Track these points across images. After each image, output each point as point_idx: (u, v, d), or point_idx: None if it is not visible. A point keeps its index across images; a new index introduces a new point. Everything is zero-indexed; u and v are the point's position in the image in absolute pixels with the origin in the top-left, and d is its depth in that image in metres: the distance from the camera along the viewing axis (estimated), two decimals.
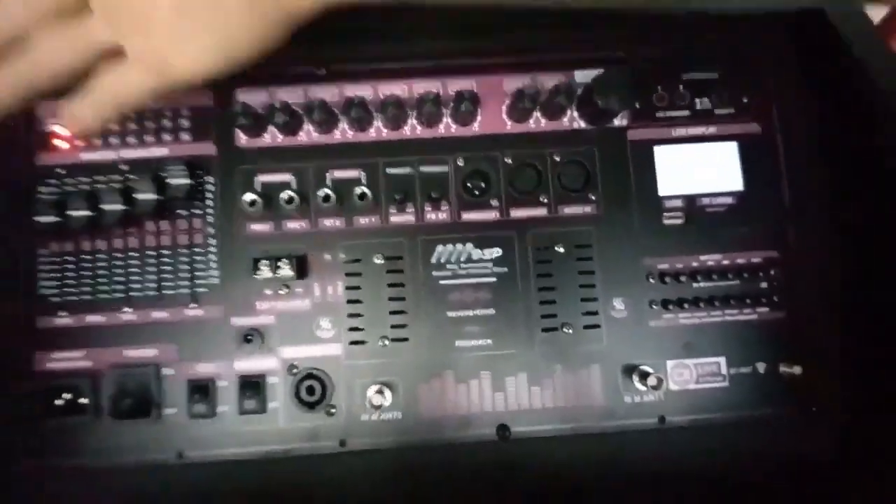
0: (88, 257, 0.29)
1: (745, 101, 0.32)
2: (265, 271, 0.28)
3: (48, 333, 0.29)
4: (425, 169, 0.30)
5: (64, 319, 0.29)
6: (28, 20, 0.21)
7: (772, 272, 0.31)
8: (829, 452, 0.29)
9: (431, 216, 0.30)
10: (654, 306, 0.30)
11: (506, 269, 0.30)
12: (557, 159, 0.30)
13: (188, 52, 0.21)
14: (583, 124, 0.31)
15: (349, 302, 0.29)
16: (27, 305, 0.29)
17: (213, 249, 0.29)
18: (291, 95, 0.30)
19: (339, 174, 0.30)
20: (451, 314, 0.29)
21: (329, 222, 0.30)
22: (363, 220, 0.30)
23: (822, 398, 0.30)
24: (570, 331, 0.30)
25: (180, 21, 0.21)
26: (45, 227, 0.28)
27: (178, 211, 0.29)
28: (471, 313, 0.29)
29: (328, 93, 0.30)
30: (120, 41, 0.22)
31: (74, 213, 0.28)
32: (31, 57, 0.22)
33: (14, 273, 0.29)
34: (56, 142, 0.30)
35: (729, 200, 0.31)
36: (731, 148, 0.31)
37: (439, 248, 0.30)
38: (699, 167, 0.31)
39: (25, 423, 0.28)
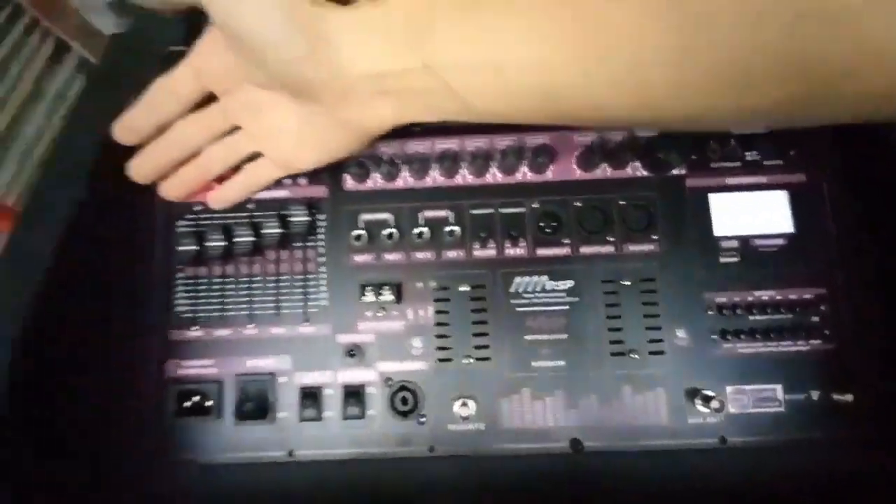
0: (218, 280, 0.35)
1: (791, 153, 0.36)
2: (370, 296, 0.34)
3: (181, 345, 0.35)
4: (504, 210, 0.35)
5: (195, 333, 0.35)
6: (203, 140, 0.33)
7: (821, 307, 0.34)
8: (880, 474, 0.31)
9: (510, 251, 0.35)
10: (714, 336, 0.34)
11: (577, 299, 0.34)
12: (622, 203, 0.35)
13: (305, 155, 0.32)
14: (645, 173, 0.35)
15: (437, 324, 0.34)
16: (164, 320, 0.35)
17: (323, 276, 0.35)
18: (391, 147, 0.36)
19: (431, 214, 0.35)
20: (528, 338, 0.34)
21: (421, 255, 0.35)
22: (451, 254, 0.35)
23: (873, 424, 0.32)
24: (637, 356, 0.33)
25: (300, 138, 0.31)
26: (184, 255, 0.34)
27: (296, 243, 0.35)
28: (546, 337, 0.34)
29: (422, 145, 0.36)
30: (259, 149, 0.33)
31: (211, 244, 0.34)
32: (200, 163, 0.33)
33: (154, 293, 0.35)
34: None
35: (780, 241, 0.35)
36: (782, 195, 0.35)
37: (517, 279, 0.34)
38: (752, 211, 0.35)
39: (158, 421, 0.34)
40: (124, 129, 0.32)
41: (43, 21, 1.23)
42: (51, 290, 0.29)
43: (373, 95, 0.27)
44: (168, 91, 0.31)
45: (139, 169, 0.33)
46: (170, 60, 0.31)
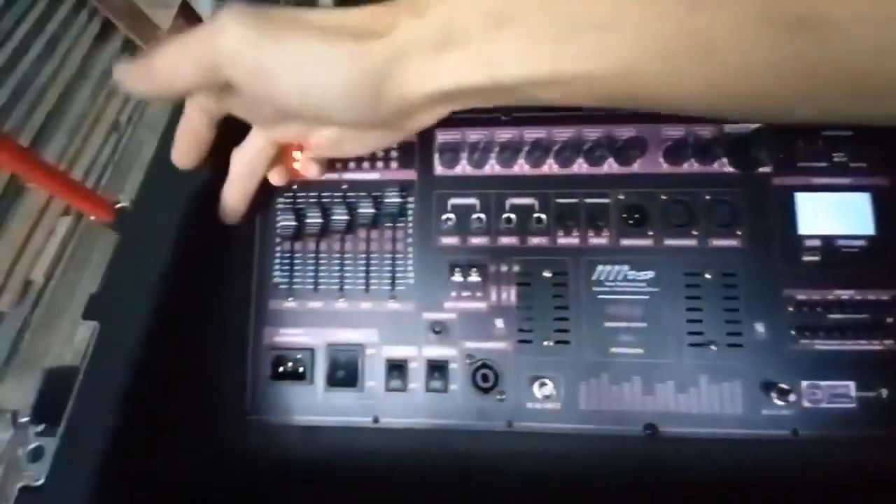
0: (312, 255, 0.38)
1: (876, 157, 0.36)
2: (458, 276, 0.36)
3: (277, 314, 0.37)
4: (590, 200, 0.36)
5: (290, 303, 0.37)
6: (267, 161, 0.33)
7: None
8: None
9: (594, 240, 0.36)
10: (792, 332, 0.35)
11: (658, 290, 0.35)
12: (708, 198, 0.36)
13: (347, 152, 0.32)
14: (731, 169, 0.36)
15: (519, 308, 0.36)
16: (262, 291, 0.38)
17: (410, 256, 0.37)
18: (481, 135, 0.38)
19: (517, 201, 0.37)
20: (607, 324, 0.35)
21: (506, 240, 0.37)
22: (535, 240, 0.36)
23: None
24: (715, 348, 0.35)
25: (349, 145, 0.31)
26: (283, 230, 0.37)
27: (386, 224, 0.37)
28: (625, 325, 0.35)
29: (511, 134, 0.38)
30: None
31: (308, 220, 0.37)
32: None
33: (254, 265, 0.38)
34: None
35: (862, 243, 0.35)
36: (865, 197, 0.36)
37: (599, 267, 0.36)
38: (835, 212, 0.36)
39: (255, 384, 0.36)
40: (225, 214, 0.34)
41: (91, 1, 1.28)
42: (163, 267, 0.31)
43: (433, 105, 0.26)
44: (248, 160, 0.33)
45: (234, 204, 0.34)
46: None
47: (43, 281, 1.15)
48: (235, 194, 0.33)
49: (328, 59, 0.23)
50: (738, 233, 0.36)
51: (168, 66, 0.25)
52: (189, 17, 1.36)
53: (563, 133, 0.37)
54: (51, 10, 1.23)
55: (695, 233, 0.36)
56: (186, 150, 0.31)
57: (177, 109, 0.37)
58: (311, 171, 0.34)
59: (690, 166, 0.37)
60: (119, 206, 0.81)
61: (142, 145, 1.43)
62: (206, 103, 0.29)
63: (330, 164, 0.39)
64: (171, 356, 0.32)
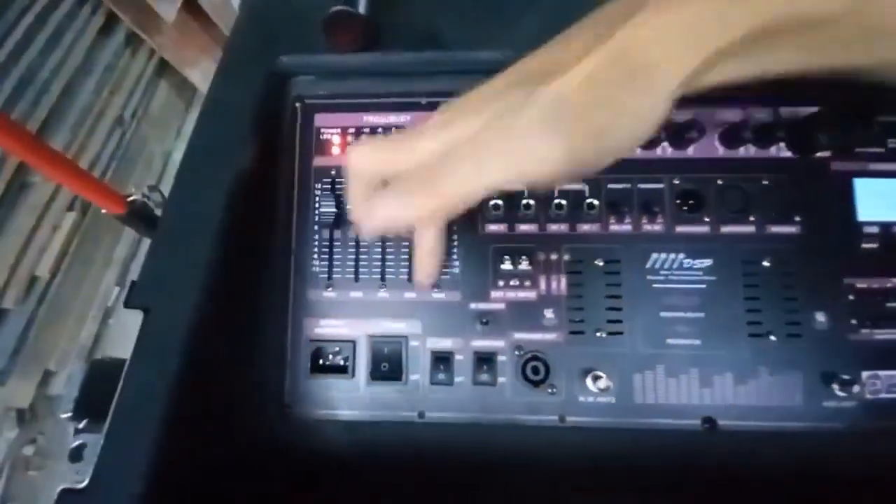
0: (353, 243, 0.35)
1: None
2: (507, 264, 0.34)
3: (317, 305, 0.35)
4: (643, 186, 0.35)
5: (330, 294, 0.35)
6: None
7: None
8: None
9: (647, 227, 0.34)
10: (853, 321, 0.33)
11: (715, 278, 0.34)
12: (765, 183, 0.34)
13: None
14: (789, 154, 0.35)
15: (570, 297, 0.34)
16: (301, 281, 0.35)
17: (455, 244, 0.35)
18: None
19: (566, 186, 0.35)
20: (663, 314, 0.33)
21: (555, 227, 0.35)
22: (586, 227, 0.34)
23: None
24: (774, 338, 0.33)
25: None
26: (323, 217, 0.35)
27: None
28: (681, 315, 0.33)
29: None
30: None
31: (348, 207, 0.34)
32: None
33: (292, 253, 0.36)
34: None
35: None
36: None
37: (654, 255, 0.34)
38: (894, 198, 0.34)
39: (294, 377, 0.34)
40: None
41: None
42: (201, 255, 0.29)
43: None
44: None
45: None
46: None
47: (48, 277, 1.12)
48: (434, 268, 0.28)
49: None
50: (797, 219, 0.34)
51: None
52: (193, 11, 1.33)
53: None
54: (55, 2, 1.20)
55: (752, 219, 0.34)
56: (434, 270, 0.27)
57: (207, 103, 0.34)
58: None
59: (747, 151, 0.35)
60: (131, 198, 0.78)
61: (146, 141, 1.40)
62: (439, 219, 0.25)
63: None
64: (211, 347, 0.29)
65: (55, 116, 1.17)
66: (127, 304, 0.27)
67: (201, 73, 1.44)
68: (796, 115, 0.35)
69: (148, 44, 1.32)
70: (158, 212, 0.81)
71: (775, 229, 0.34)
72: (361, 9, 0.32)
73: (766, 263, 0.34)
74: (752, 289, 0.33)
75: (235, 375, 0.32)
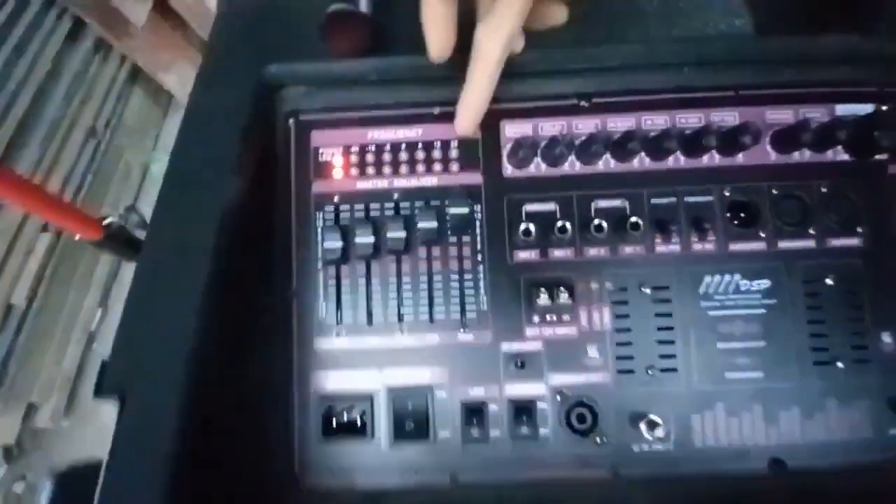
0: (364, 281, 0.30)
1: None
2: (542, 297, 0.29)
3: (326, 355, 0.30)
4: (690, 199, 0.30)
5: (341, 341, 0.30)
6: None
7: None
8: None
9: (697, 246, 0.30)
10: None
11: (775, 301, 0.29)
12: (824, 191, 0.30)
13: None
14: (846, 157, 0.31)
15: (616, 331, 0.30)
16: (306, 328, 0.30)
17: (481, 276, 0.30)
18: (556, 127, 0.31)
19: (604, 204, 0.30)
20: (720, 345, 0.29)
21: (594, 251, 0.30)
22: (629, 250, 0.30)
23: None
24: (842, 364, 0.29)
25: None
26: (327, 254, 0.30)
27: (451, 238, 0.30)
28: (740, 345, 0.29)
29: (591, 124, 0.31)
30: None
31: (359, 240, 0.29)
32: None
33: (295, 296, 0.31)
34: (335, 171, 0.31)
35: None
36: None
37: (707, 278, 0.30)
38: None
39: (304, 441, 0.29)
40: None
41: None
42: (185, 309, 0.24)
43: None
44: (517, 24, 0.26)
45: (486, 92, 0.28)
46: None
47: (25, 305, 1.04)
48: (491, 88, 0.27)
49: None
50: (859, 230, 0.30)
51: None
52: (165, 12, 1.25)
53: (654, 120, 0.31)
54: (18, 10, 1.10)
55: (812, 232, 0.30)
56: (442, 35, 0.26)
57: (186, 122, 0.29)
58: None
59: (801, 155, 0.31)
60: (107, 222, 0.71)
61: (122, 151, 1.31)
62: None
63: (377, 170, 0.31)
64: (205, 423, 0.24)
65: (23, 130, 1.08)
66: (98, 393, 0.21)
67: (177, 78, 1.35)
68: (853, 114, 0.31)
69: (118, 49, 1.24)
70: (137, 233, 0.75)
71: (836, 242, 0.30)
72: (364, 6, 0.26)
73: (828, 282, 0.30)
74: (816, 311, 0.29)
75: (236, 449, 0.27)
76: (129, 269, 0.90)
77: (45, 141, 1.12)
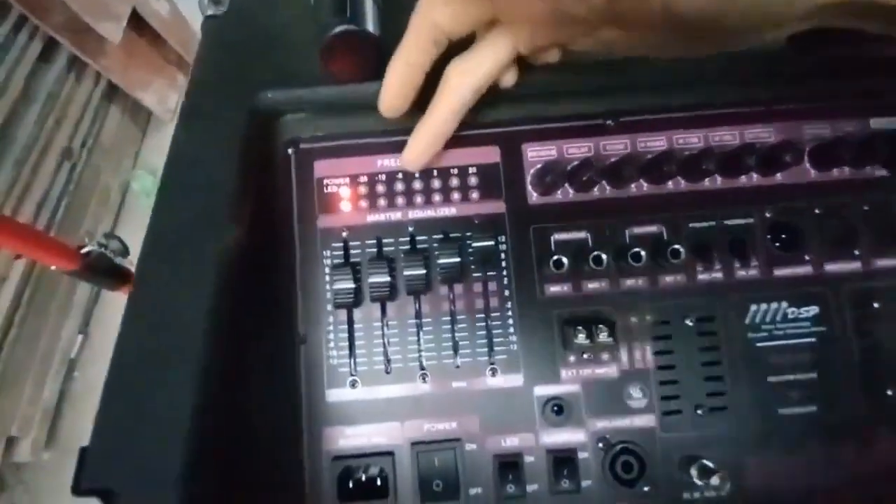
0: (378, 325, 0.27)
1: None
2: (578, 334, 0.26)
3: (339, 409, 0.26)
4: (730, 222, 0.27)
5: (355, 392, 0.26)
6: None
7: None
8: None
9: (741, 273, 0.27)
10: None
11: (825, 329, 0.27)
12: (866, 209, 0.28)
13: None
14: (884, 172, 0.28)
15: (660, 368, 0.26)
16: (315, 379, 0.26)
17: (509, 314, 0.27)
18: (583, 149, 0.28)
19: (639, 230, 0.27)
20: (771, 379, 0.26)
21: (631, 282, 0.27)
22: (668, 279, 0.27)
23: None
24: (892, 393, 0.27)
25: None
26: (338, 296, 0.26)
27: (475, 274, 0.27)
28: (792, 377, 0.26)
29: (620, 144, 0.28)
30: None
31: (373, 280, 0.26)
32: None
33: (302, 344, 0.27)
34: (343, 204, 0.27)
35: None
36: None
37: (753, 307, 0.27)
38: None
39: None
40: None
41: (31, 18, 1.08)
42: (177, 364, 0.20)
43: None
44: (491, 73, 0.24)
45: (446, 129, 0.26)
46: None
47: (0, 335, 0.96)
48: (450, 128, 0.25)
49: None
50: None
51: None
52: (140, 28, 1.18)
53: (687, 139, 0.28)
54: None
55: (857, 253, 0.28)
56: (400, 90, 0.24)
57: (171, 167, 0.25)
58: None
59: (841, 172, 0.28)
60: (85, 250, 0.65)
61: (99, 172, 1.24)
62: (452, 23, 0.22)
63: (389, 201, 0.28)
64: (216, 498, 0.20)
65: None
66: (77, 489, 0.17)
67: (154, 95, 1.28)
68: (887, 128, 0.28)
69: (92, 67, 1.17)
70: (118, 261, 0.69)
71: (882, 263, 0.28)
72: (372, 27, 0.23)
73: (876, 305, 0.27)
74: (865, 337, 0.27)
75: None
76: (110, 293, 0.83)
77: (18, 164, 1.04)
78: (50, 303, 1.06)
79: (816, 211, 0.27)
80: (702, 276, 0.27)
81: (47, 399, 1.03)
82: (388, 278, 0.25)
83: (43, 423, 1.02)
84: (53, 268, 0.63)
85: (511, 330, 0.27)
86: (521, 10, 0.21)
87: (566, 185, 0.27)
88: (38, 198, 1.07)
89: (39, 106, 1.12)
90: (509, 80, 0.26)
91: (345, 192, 0.27)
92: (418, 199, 0.27)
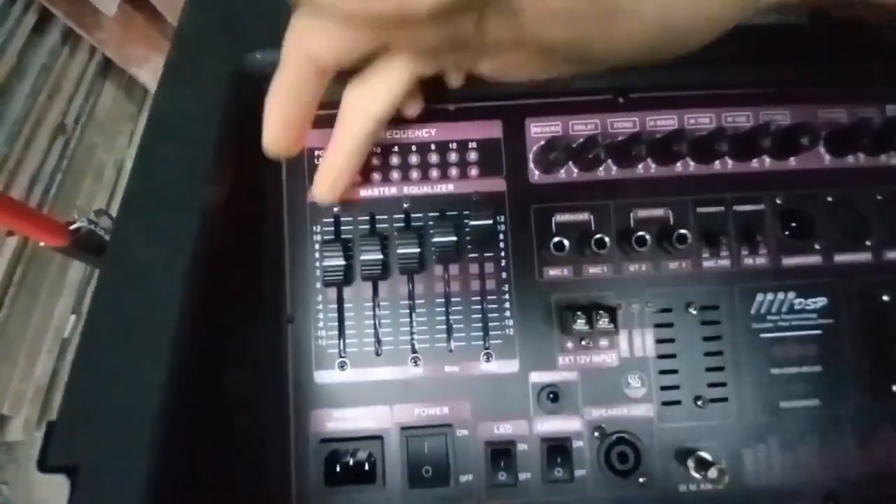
0: (370, 305, 0.25)
1: None
2: (576, 320, 0.24)
3: (328, 391, 0.25)
4: (740, 208, 0.26)
5: (345, 374, 0.25)
6: None
7: None
8: None
9: (749, 261, 0.26)
10: None
11: (832, 321, 0.26)
12: (879, 198, 0.26)
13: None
14: None
15: (660, 357, 0.25)
16: (304, 360, 0.25)
17: (506, 297, 0.26)
18: (589, 127, 0.26)
19: (645, 213, 0.26)
20: (774, 371, 0.25)
21: (634, 267, 0.26)
22: (673, 266, 0.26)
23: None
24: None
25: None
26: (328, 274, 0.25)
27: (471, 255, 0.26)
28: (796, 370, 0.25)
29: (628, 123, 0.26)
30: None
31: (365, 257, 0.24)
32: None
33: (289, 324, 0.25)
34: None
35: None
36: None
37: (759, 296, 0.26)
38: None
39: (303, 490, 0.24)
40: None
41: None
42: (156, 338, 0.19)
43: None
44: (389, 100, 0.22)
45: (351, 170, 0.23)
46: None
47: None
48: (356, 160, 0.22)
49: None
50: None
51: None
52: (137, 2, 1.15)
53: (698, 119, 0.27)
54: None
55: (868, 244, 0.26)
56: (286, 129, 0.21)
57: (150, 128, 0.23)
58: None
59: (856, 159, 0.27)
60: (74, 227, 0.63)
61: (94, 149, 1.21)
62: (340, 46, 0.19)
63: (384, 175, 0.26)
64: (186, 481, 0.19)
65: None
66: (43, 467, 0.16)
67: (151, 72, 1.25)
68: None
69: (87, 41, 1.13)
70: (109, 238, 0.68)
71: (894, 255, 0.26)
72: None
73: (885, 297, 0.26)
74: (875, 331, 0.26)
75: (226, 494, 0.22)
76: None
77: (10, 139, 1.02)
78: (42, 282, 1.04)
79: (829, 199, 0.26)
80: (708, 264, 0.26)
81: (39, 378, 1.01)
82: (380, 256, 0.24)
83: (35, 402, 1.00)
84: (42, 244, 0.62)
85: (507, 314, 0.25)
86: (402, 36, 0.18)
87: (570, 163, 0.26)
88: (31, 173, 1.04)
89: (32, 80, 1.09)
90: (413, 109, 0.24)
91: None
92: (414, 175, 0.26)
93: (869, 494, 0.25)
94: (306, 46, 0.19)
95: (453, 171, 0.26)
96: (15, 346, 0.99)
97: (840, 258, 0.26)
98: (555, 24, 0.18)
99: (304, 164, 0.26)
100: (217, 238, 0.21)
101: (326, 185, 0.23)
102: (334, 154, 0.22)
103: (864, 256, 0.26)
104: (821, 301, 0.26)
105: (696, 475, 0.24)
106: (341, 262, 0.24)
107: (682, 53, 0.20)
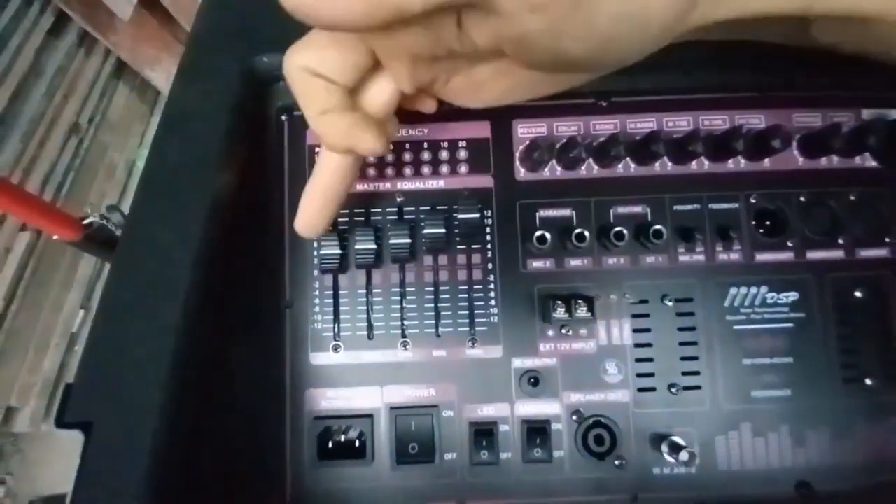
0: (364, 292, 0.27)
1: None
2: (558, 309, 0.26)
3: (322, 371, 0.27)
4: (715, 206, 0.28)
5: (338, 356, 0.27)
6: None
7: None
8: None
9: (723, 256, 0.28)
10: None
11: (803, 315, 0.27)
12: (852, 199, 0.28)
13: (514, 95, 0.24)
14: (874, 164, 0.29)
15: (637, 346, 0.27)
16: (300, 342, 0.27)
17: (491, 286, 0.27)
18: (573, 128, 0.28)
19: (624, 210, 0.28)
20: (746, 362, 0.27)
21: (613, 261, 0.28)
22: (650, 259, 0.28)
23: None
24: (871, 381, 0.27)
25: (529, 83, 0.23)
26: (325, 261, 0.27)
27: (459, 246, 0.27)
28: (767, 361, 0.27)
29: (610, 125, 0.28)
30: None
31: (359, 246, 0.26)
32: None
33: (288, 308, 0.27)
34: None
35: None
36: None
37: (732, 290, 0.27)
38: None
39: (297, 465, 0.26)
40: None
41: None
42: (165, 319, 0.21)
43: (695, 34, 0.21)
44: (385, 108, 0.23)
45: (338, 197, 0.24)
46: None
47: (3, 305, 0.98)
48: (332, 204, 0.23)
49: None
50: (888, 240, 0.28)
51: None
52: (151, 6, 1.19)
53: (676, 121, 0.28)
54: (0, 4, 1.04)
55: (841, 242, 0.28)
56: (317, 216, 0.23)
57: (165, 123, 0.25)
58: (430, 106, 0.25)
59: (829, 161, 0.29)
60: (87, 221, 0.66)
61: (106, 148, 1.26)
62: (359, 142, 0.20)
63: (379, 171, 0.28)
64: (187, 447, 0.21)
65: (2, 127, 1.03)
66: (60, 423, 0.18)
67: (163, 74, 1.29)
68: (880, 118, 0.29)
69: (102, 43, 1.18)
70: (119, 233, 0.71)
71: (865, 253, 0.28)
72: None
73: (858, 294, 0.28)
74: (844, 325, 0.27)
75: (223, 476, 0.24)
76: None
77: (26, 137, 1.06)
78: (53, 276, 1.08)
79: (802, 199, 0.28)
80: (683, 258, 0.27)
81: (47, 371, 1.05)
82: (373, 245, 0.26)
83: (42, 394, 1.04)
84: (56, 237, 0.65)
85: (492, 302, 0.27)
86: (399, 42, 0.19)
87: (554, 162, 0.28)
88: (45, 171, 1.08)
89: (48, 80, 1.13)
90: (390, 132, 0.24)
91: None
92: (408, 171, 0.28)
93: (842, 482, 0.27)
94: (307, 65, 0.20)
95: (444, 168, 0.28)
96: (24, 339, 1.03)
97: (812, 255, 0.28)
98: (528, 10, 0.17)
99: (305, 161, 0.28)
100: (225, 225, 0.24)
101: (308, 217, 0.24)
102: (316, 186, 0.23)
103: (836, 254, 0.28)
104: (792, 296, 0.27)
105: (670, 459, 0.26)
106: (337, 250, 0.26)
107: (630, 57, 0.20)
